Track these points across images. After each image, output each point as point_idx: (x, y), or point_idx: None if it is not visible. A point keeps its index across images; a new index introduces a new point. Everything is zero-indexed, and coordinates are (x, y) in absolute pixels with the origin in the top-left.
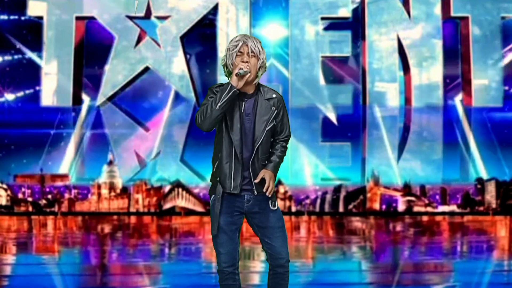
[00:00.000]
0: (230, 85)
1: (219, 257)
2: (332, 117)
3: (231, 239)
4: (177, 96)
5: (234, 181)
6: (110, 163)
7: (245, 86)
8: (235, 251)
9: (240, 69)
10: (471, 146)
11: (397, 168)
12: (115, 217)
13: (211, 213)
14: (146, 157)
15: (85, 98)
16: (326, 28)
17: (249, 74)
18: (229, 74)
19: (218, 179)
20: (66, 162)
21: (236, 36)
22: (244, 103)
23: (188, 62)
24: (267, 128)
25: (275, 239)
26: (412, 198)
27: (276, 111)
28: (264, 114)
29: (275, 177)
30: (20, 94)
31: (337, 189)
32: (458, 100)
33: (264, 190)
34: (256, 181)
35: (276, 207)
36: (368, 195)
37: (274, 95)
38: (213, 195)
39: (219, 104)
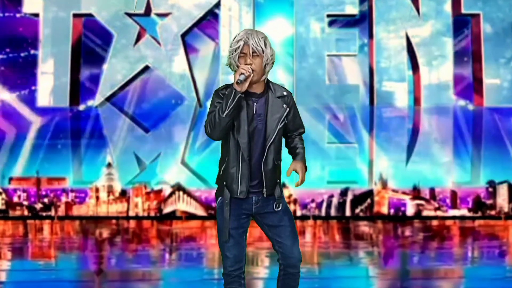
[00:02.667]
0: (234, 90)
1: (225, 261)
2: (338, 117)
3: (238, 242)
4: (178, 96)
5: (241, 186)
6: (109, 165)
7: (252, 85)
8: (241, 255)
9: (241, 74)
10: None
11: (406, 171)
12: (113, 221)
13: (218, 218)
14: (145, 160)
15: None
16: (332, 26)
17: (252, 75)
18: (232, 69)
19: (225, 183)
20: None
21: (238, 34)
22: (254, 103)
23: (189, 61)
24: (279, 127)
25: (287, 238)
26: (421, 202)
27: (288, 109)
28: (275, 112)
29: (306, 168)
30: (16, 94)
31: (344, 193)
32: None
33: (297, 184)
34: (288, 174)
35: (279, 208)
36: (376, 198)
37: (284, 92)
38: (220, 198)
39: (226, 112)
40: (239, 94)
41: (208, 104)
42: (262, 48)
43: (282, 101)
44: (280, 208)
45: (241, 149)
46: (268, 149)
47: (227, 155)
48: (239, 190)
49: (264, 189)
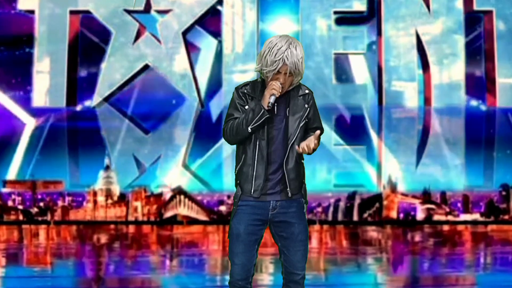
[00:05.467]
0: (262, 110)
1: (233, 268)
2: (346, 118)
3: (248, 250)
4: (179, 96)
5: (255, 184)
6: (107, 168)
7: None
8: (250, 264)
9: (272, 95)
10: None
11: (416, 174)
12: (112, 226)
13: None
14: (145, 162)
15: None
16: (339, 23)
17: (280, 93)
18: (263, 77)
19: (238, 182)
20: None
21: (278, 47)
22: (275, 103)
23: (190, 60)
24: (301, 125)
25: (295, 252)
26: (432, 206)
27: (308, 108)
28: (297, 111)
29: (319, 142)
30: (11, 94)
31: (351, 196)
32: None
33: (305, 145)
34: (301, 146)
35: (305, 210)
36: (385, 202)
37: (306, 91)
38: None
39: (250, 127)
40: (267, 115)
41: (213, 104)
42: (299, 70)
43: (303, 100)
44: (304, 212)
45: (258, 148)
46: (290, 148)
47: (244, 153)
48: (252, 189)
49: (288, 189)
